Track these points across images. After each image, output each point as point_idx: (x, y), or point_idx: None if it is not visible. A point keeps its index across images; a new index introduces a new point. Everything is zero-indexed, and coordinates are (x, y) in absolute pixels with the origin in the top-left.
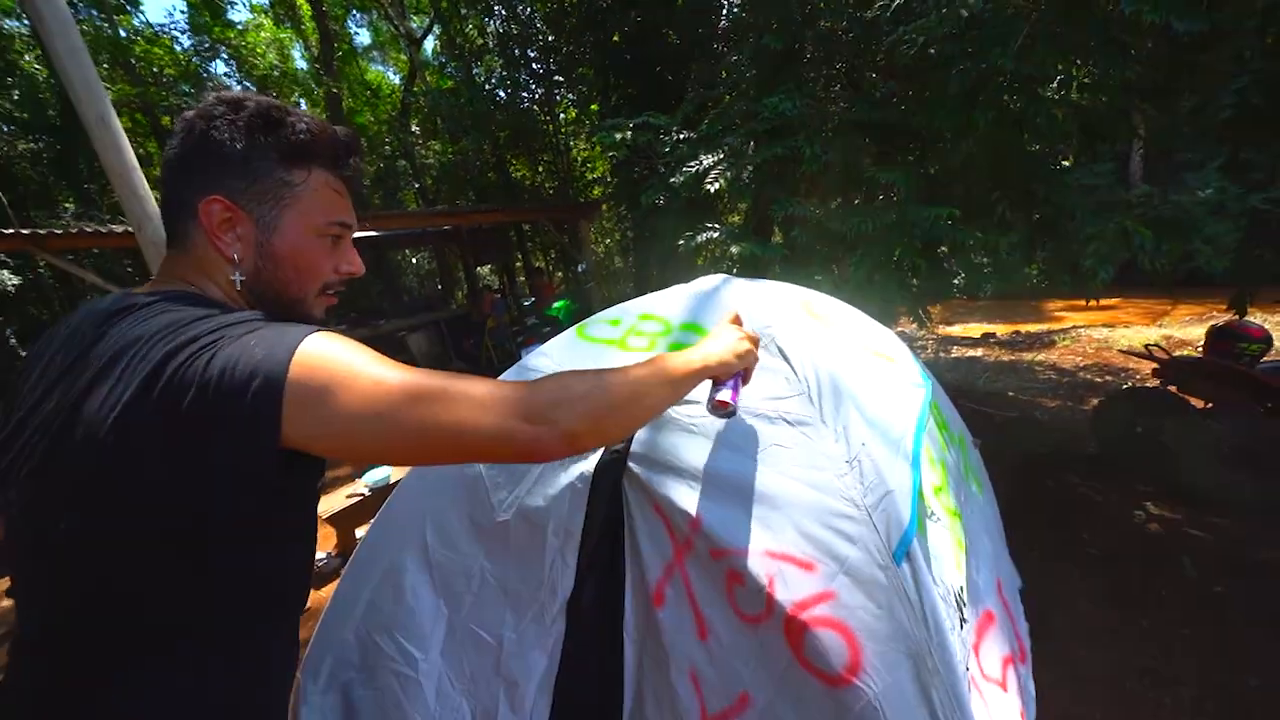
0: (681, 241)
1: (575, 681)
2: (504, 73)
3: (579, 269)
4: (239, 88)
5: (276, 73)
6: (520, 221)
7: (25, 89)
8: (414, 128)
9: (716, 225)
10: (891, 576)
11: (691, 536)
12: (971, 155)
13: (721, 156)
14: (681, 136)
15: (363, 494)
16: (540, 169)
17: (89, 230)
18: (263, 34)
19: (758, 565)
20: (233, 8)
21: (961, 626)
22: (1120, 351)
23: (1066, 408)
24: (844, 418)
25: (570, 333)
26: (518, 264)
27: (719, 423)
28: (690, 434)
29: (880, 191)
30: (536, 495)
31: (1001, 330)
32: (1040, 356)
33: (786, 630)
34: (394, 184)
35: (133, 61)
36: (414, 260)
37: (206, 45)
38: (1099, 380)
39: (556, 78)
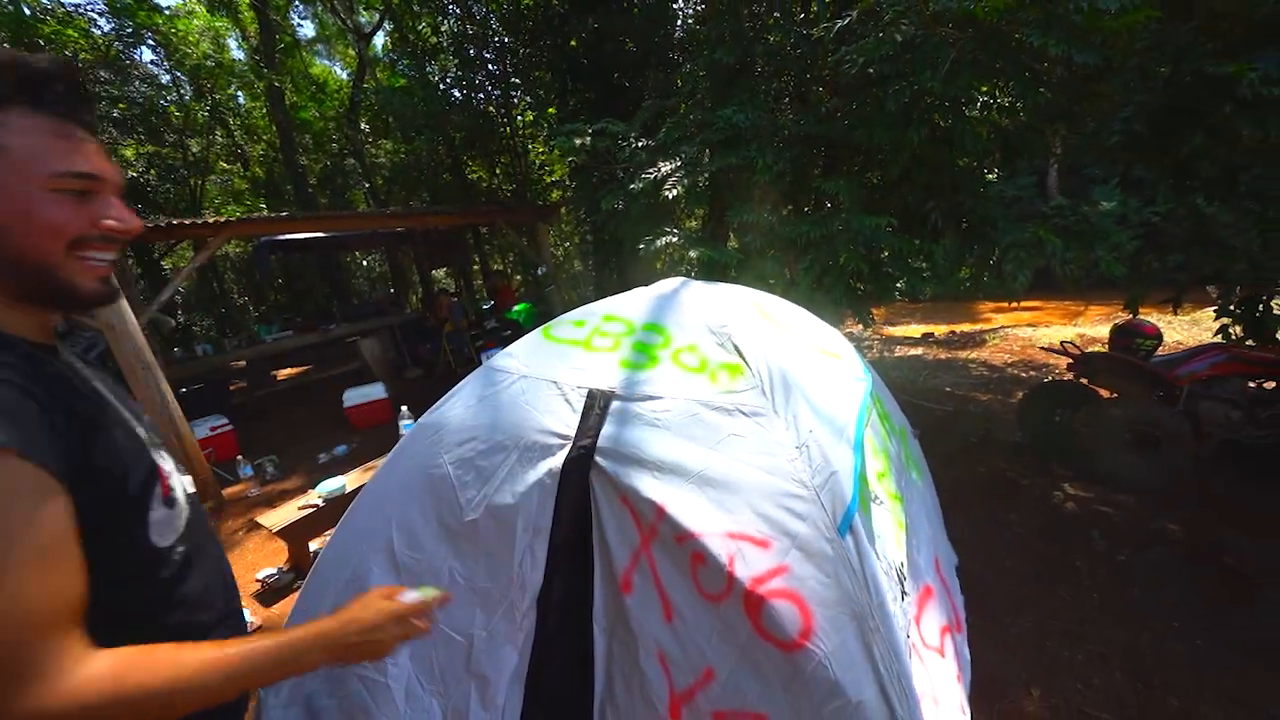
0: (642, 246)
1: (546, 673)
2: (459, 73)
3: (539, 272)
4: (168, 77)
5: (211, 63)
6: (477, 224)
7: None
8: (363, 125)
9: (675, 230)
10: (837, 548)
11: (657, 524)
12: (907, 169)
13: (679, 164)
14: (640, 144)
15: (316, 505)
16: (498, 171)
17: None
18: (195, 22)
19: (718, 546)
20: None
21: (903, 599)
22: (1041, 349)
23: (996, 401)
24: (793, 408)
25: (536, 334)
26: (475, 267)
27: (682, 417)
28: (654, 428)
29: (826, 200)
30: (505, 493)
31: (939, 330)
32: (973, 354)
33: (746, 604)
34: (343, 183)
35: (40, 43)
36: (364, 262)
37: (130, 30)
38: (1024, 375)
39: (514, 80)
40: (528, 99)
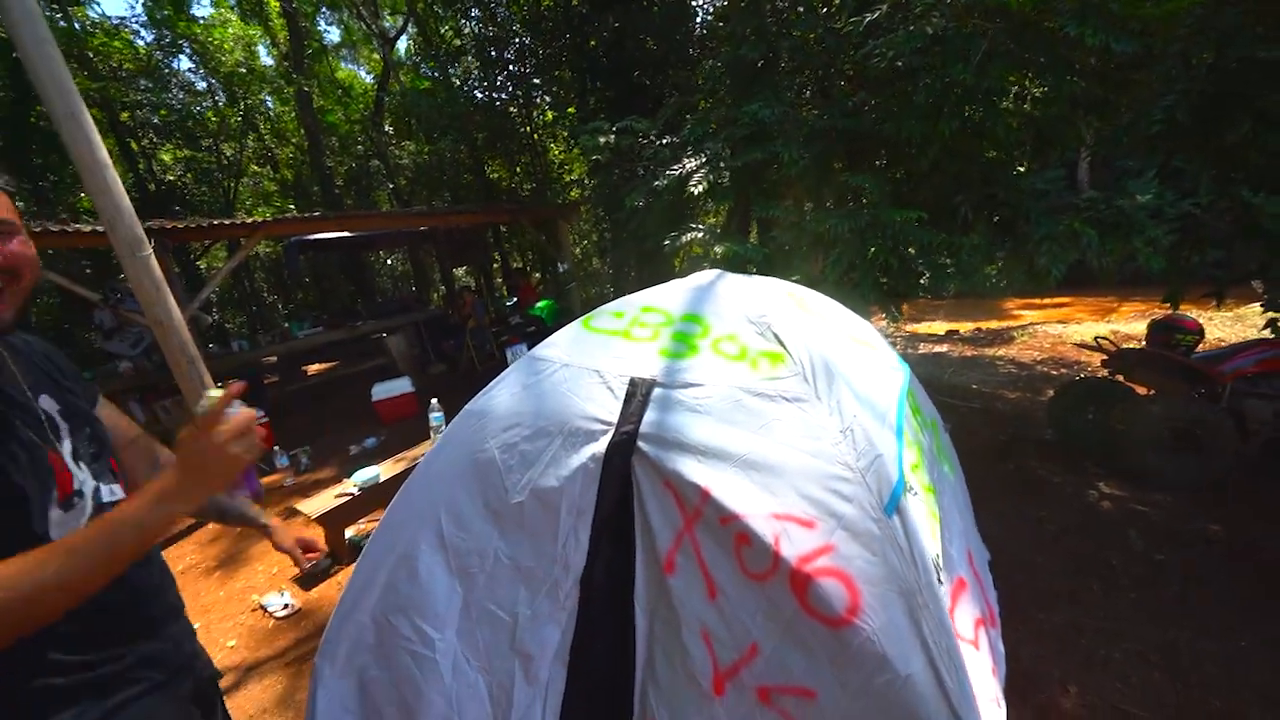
0: (667, 242)
1: (589, 651)
2: (481, 74)
3: (560, 269)
4: (203, 84)
5: (244, 69)
6: (499, 222)
7: None
8: (387, 128)
9: (699, 226)
10: (884, 528)
11: (701, 506)
12: (937, 161)
13: (703, 160)
14: (664, 141)
15: (352, 493)
16: (518, 170)
17: (54, 229)
18: (230, 30)
19: (764, 526)
20: (197, 3)
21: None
22: (1074, 345)
23: (1025, 398)
24: (836, 394)
25: (576, 325)
26: (494, 265)
27: (724, 403)
28: (697, 414)
29: (852, 195)
30: (550, 477)
31: (964, 328)
32: (1000, 351)
33: (792, 583)
34: (367, 184)
35: (90, 55)
36: (388, 261)
37: (169, 40)
38: (1054, 372)
39: (534, 80)
40: (548, 98)
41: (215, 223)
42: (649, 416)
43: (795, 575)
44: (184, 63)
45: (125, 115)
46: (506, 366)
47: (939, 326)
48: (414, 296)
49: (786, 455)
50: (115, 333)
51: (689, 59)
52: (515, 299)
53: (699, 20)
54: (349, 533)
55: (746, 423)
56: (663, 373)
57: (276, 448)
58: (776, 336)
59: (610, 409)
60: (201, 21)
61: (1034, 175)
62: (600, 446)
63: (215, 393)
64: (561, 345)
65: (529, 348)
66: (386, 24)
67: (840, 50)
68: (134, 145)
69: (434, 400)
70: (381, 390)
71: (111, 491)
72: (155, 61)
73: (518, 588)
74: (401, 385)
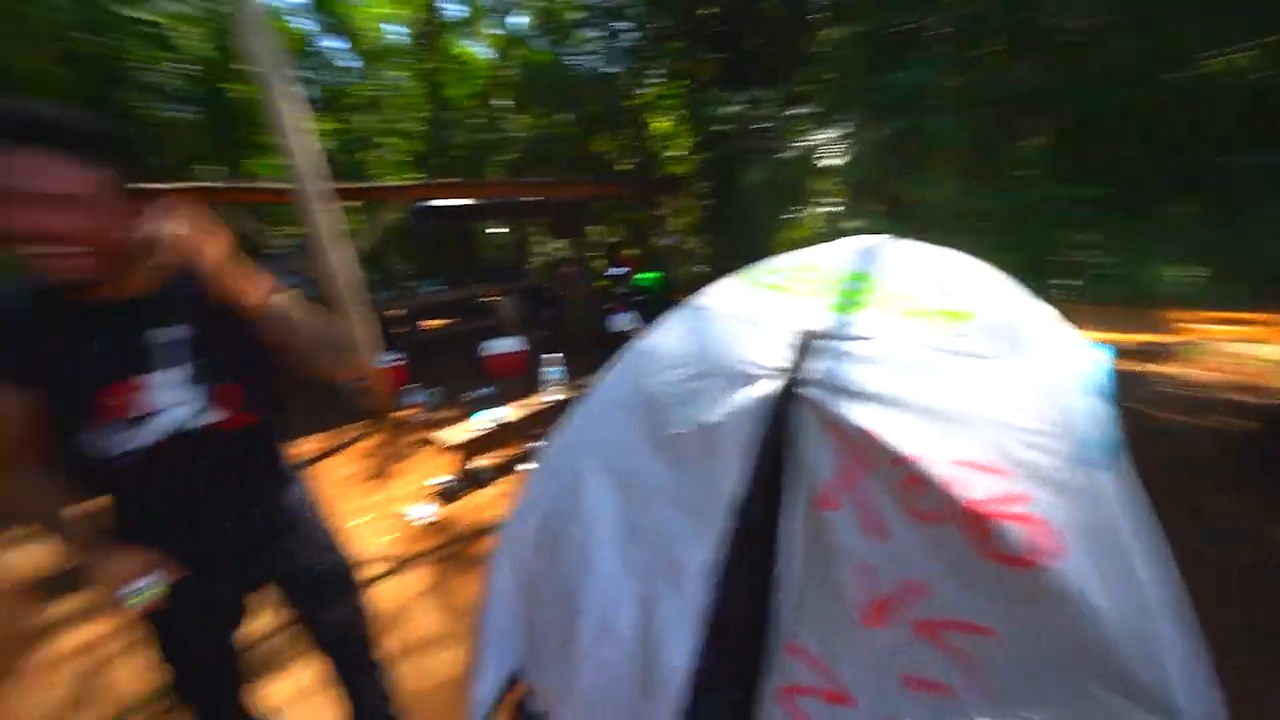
0: (796, 210)
1: (735, 574)
2: (598, 46)
3: (668, 242)
4: (351, 63)
5: (383, 47)
6: (605, 195)
7: (175, 62)
8: (502, 101)
9: (833, 200)
10: (1091, 480)
11: (868, 447)
12: (1126, 133)
13: (843, 131)
14: (794, 112)
15: (486, 428)
16: (621, 144)
17: (243, 187)
18: (377, 10)
19: (943, 470)
20: None
21: None
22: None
23: (1196, 424)
24: (1026, 355)
25: (733, 280)
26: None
27: (898, 354)
28: (870, 364)
29: (1012, 170)
30: (710, 413)
31: (1122, 337)
32: (1164, 368)
33: (972, 525)
34: (481, 158)
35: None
36: (489, 231)
37: (327, 23)
38: (1236, 398)
39: (644, 52)
40: (661, 71)
41: (377, 185)
42: (813, 364)
43: (977, 518)
44: (336, 43)
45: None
46: (605, 334)
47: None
48: (516, 265)
49: (973, 407)
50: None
51: (811, 25)
52: (621, 270)
53: None
54: (477, 462)
55: (926, 375)
56: (830, 325)
57: (415, 384)
58: (959, 296)
59: (772, 356)
60: (355, 3)
61: (1257, 149)
62: (761, 389)
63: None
64: (721, 296)
65: (640, 317)
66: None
67: (1000, 12)
68: None
69: (558, 355)
70: (494, 346)
71: (203, 417)
72: (312, 43)
73: (674, 510)
74: (512, 343)
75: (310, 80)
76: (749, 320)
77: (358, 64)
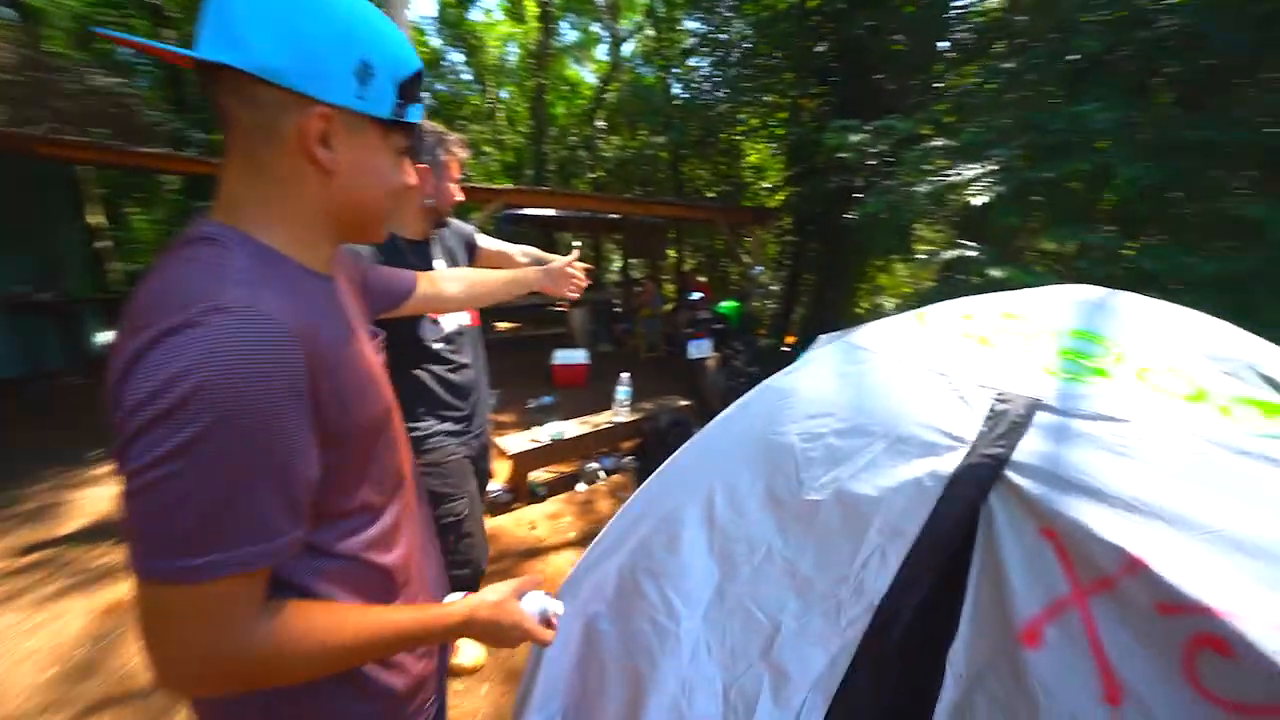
0: (923, 255)
1: (862, 695)
2: (707, 74)
3: (753, 273)
4: (468, 75)
5: (500, 63)
6: (691, 219)
7: None
8: (601, 122)
9: (973, 243)
10: None
11: (1119, 576)
12: None
13: (989, 168)
14: (936, 144)
15: (542, 441)
16: (715, 172)
17: None
18: (497, 29)
19: (1265, 636)
20: (475, 5)
21: None
22: None
23: None
24: None
25: (906, 319)
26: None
27: (1178, 454)
28: (1123, 458)
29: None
30: (863, 482)
31: None
32: None
33: None
34: (572, 171)
35: None
36: (570, 245)
37: (451, 36)
38: None
39: (747, 82)
40: (765, 99)
41: (475, 186)
42: (1031, 445)
43: None
44: (457, 56)
45: None
46: (670, 357)
47: None
48: (593, 278)
49: None
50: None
51: (942, 58)
52: (698, 295)
53: (964, 10)
54: (532, 475)
55: (1223, 487)
56: (1055, 395)
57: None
58: (1269, 380)
59: (963, 423)
60: (479, 21)
61: None
62: (944, 464)
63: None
64: (889, 337)
65: (714, 345)
66: (620, 27)
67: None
68: None
69: (625, 375)
70: (561, 356)
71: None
72: (436, 54)
73: (787, 593)
74: (579, 355)
75: (430, 91)
76: (933, 373)
77: (470, 76)
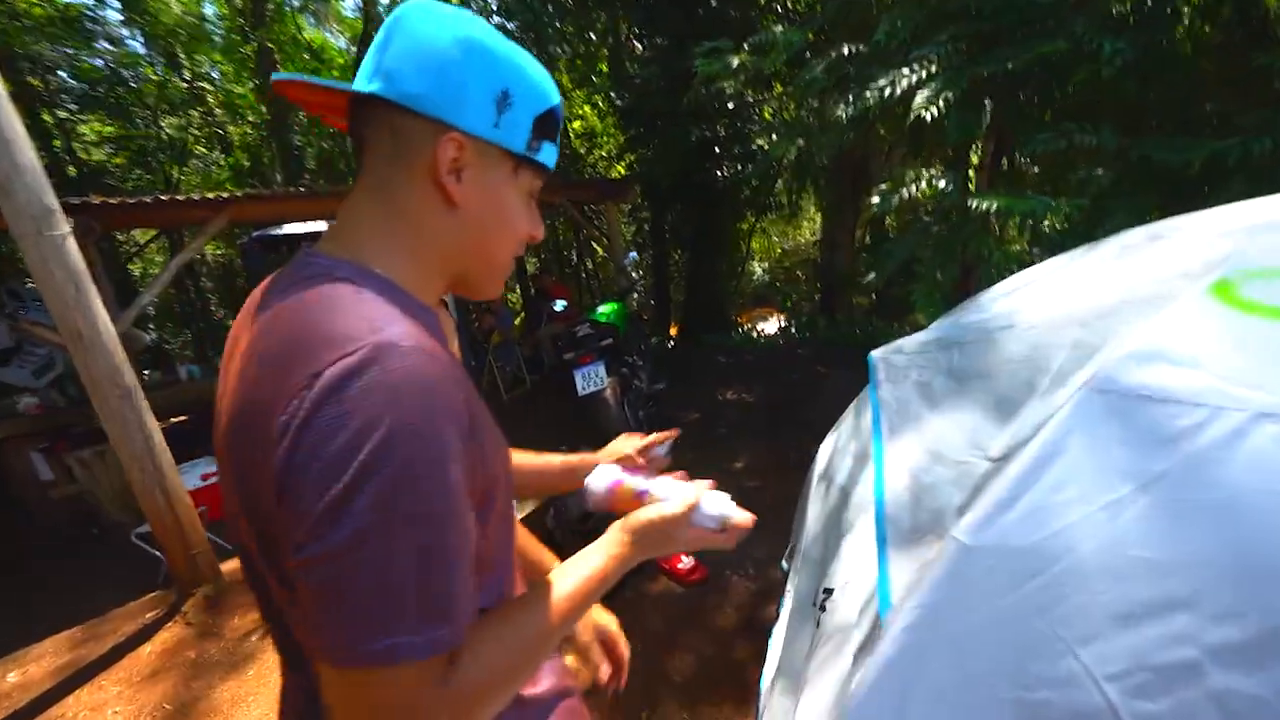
0: (877, 200)
1: None
2: (497, 20)
3: (625, 261)
4: (139, 45)
5: (188, 22)
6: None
7: None
8: None
9: (937, 170)
10: None
11: None
12: None
13: (930, 73)
14: (848, 51)
15: None
16: None
17: None
18: None
19: None
20: None
21: None
22: None
23: None
24: None
25: (1213, 304)
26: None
27: None
28: None
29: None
30: None
31: None
32: None
33: None
34: (345, 168)
35: None
36: None
37: None
38: None
39: (553, 29)
40: (569, 50)
41: (167, 198)
42: None
43: None
44: (111, 14)
45: (36, 80)
46: (541, 387)
47: None
48: None
49: None
50: (13, 354)
51: None
52: (561, 303)
53: None
54: None
55: None
56: None
57: None
58: None
59: None
60: None
61: None
62: None
63: (725, 508)
64: (1203, 355)
65: (608, 367)
66: None
67: None
68: (47, 117)
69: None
70: None
71: None
72: (75, 9)
73: None
74: None
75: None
76: None
77: (153, 48)
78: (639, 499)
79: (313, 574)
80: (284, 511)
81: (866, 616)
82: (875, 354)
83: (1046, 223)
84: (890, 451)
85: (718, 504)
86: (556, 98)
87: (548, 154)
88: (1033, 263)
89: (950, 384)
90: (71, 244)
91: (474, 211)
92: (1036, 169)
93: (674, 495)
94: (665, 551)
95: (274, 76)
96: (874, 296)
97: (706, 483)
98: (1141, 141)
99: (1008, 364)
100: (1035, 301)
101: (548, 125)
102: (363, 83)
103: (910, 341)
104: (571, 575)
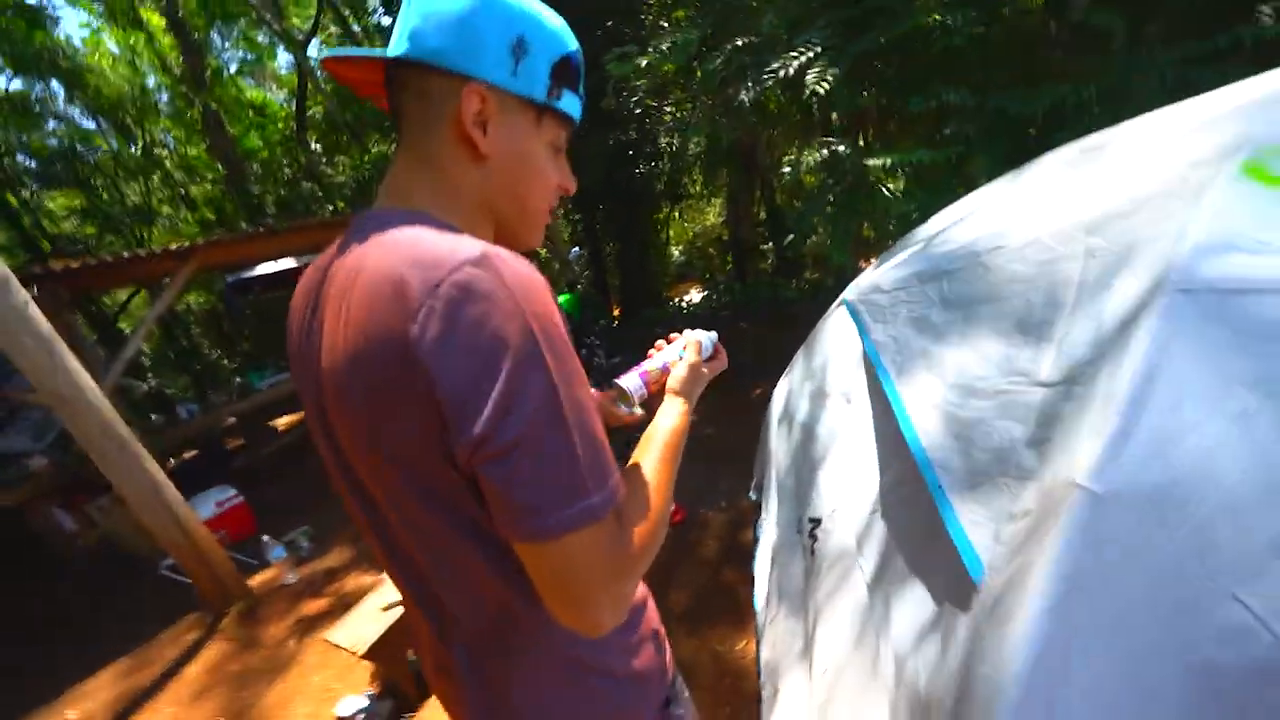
0: (787, 169)
1: None
2: None
3: (572, 257)
4: (89, 121)
5: (135, 92)
6: None
7: None
8: (315, 144)
9: (833, 139)
10: None
11: None
12: None
13: (816, 54)
14: (741, 42)
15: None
16: None
17: None
18: (105, 47)
19: None
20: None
21: None
22: None
23: None
24: None
25: (1246, 181)
26: None
27: None
28: None
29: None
30: None
31: None
32: None
33: None
34: (302, 210)
35: None
36: None
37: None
38: None
39: None
40: None
41: (129, 255)
42: None
43: None
44: (60, 93)
45: None
46: None
47: None
48: None
49: None
50: (9, 423)
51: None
52: None
53: None
54: (412, 654)
55: None
56: None
57: (265, 537)
58: None
59: None
60: (70, 39)
61: None
62: None
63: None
64: (1274, 239)
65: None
66: (293, 28)
67: None
68: (12, 199)
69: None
70: None
71: None
72: (21, 95)
73: None
74: None
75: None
76: None
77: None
78: (664, 372)
79: (499, 464)
80: (449, 413)
81: (871, 546)
82: (850, 297)
83: (928, 165)
84: (906, 392)
85: (702, 334)
86: (574, 44)
87: (570, 103)
88: (915, 211)
89: (951, 314)
90: (34, 310)
91: (502, 162)
92: (916, 129)
93: (682, 351)
94: (703, 387)
95: (325, 53)
96: (773, 260)
97: (687, 331)
98: (994, 97)
99: (1013, 283)
100: (1015, 220)
101: (567, 73)
102: (393, 49)
103: (883, 279)
104: (660, 433)
